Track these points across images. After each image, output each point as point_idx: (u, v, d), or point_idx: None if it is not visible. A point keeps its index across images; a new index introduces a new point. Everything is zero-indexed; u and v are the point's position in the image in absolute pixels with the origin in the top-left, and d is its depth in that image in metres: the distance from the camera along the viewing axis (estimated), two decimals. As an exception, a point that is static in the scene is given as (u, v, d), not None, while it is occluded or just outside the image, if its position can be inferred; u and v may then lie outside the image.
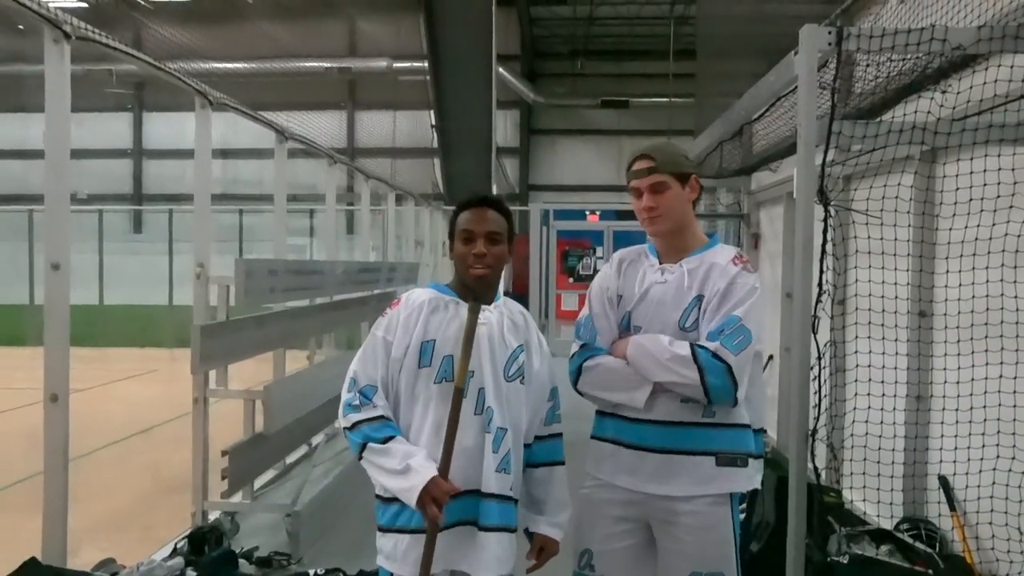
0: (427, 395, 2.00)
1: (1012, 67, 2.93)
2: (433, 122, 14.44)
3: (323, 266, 5.76)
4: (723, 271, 2.12)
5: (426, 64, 13.12)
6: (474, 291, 2.04)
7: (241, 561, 3.75)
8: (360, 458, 1.99)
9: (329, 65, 18.16)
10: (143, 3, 14.94)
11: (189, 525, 4.03)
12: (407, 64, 17.16)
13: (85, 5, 14.62)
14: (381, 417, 1.98)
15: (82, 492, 4.07)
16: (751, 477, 2.14)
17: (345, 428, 2.02)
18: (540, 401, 2.15)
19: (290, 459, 5.47)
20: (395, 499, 1.98)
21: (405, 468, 1.91)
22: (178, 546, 3.73)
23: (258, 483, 4.91)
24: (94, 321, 13.71)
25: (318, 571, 3.68)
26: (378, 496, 2.06)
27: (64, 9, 2.99)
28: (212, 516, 4.19)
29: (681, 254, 2.19)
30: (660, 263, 2.21)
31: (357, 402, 2.00)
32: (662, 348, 2.06)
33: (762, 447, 2.23)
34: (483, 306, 2.05)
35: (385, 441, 1.95)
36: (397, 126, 17.50)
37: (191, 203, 4.22)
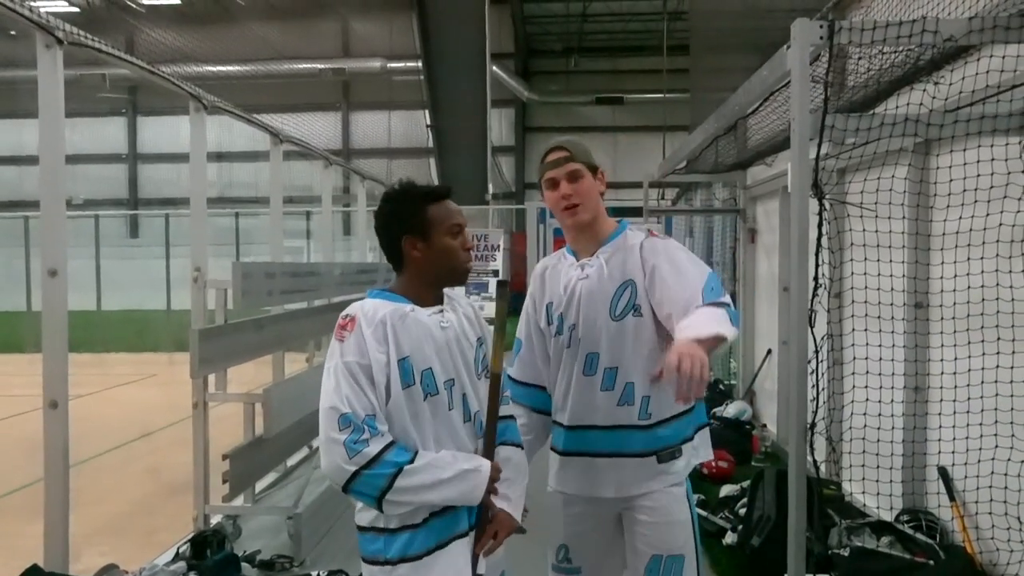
0: (415, 413, 1.87)
1: (1003, 57, 2.93)
2: (428, 122, 14.44)
3: (320, 268, 5.76)
4: (643, 250, 2.16)
5: (420, 64, 13.11)
6: (444, 287, 1.99)
7: (244, 564, 3.76)
8: (385, 492, 1.77)
9: (323, 66, 18.17)
10: (135, 7, 14.91)
11: (191, 529, 4.04)
12: (401, 64, 17.17)
13: (77, 10, 14.60)
14: (395, 442, 1.82)
15: (83, 498, 4.08)
16: (697, 451, 2.26)
17: (358, 470, 1.76)
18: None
19: (291, 461, 5.47)
20: (405, 527, 1.85)
21: (463, 472, 1.84)
22: (180, 550, 3.73)
23: (259, 486, 4.91)
24: (92, 326, 13.72)
25: (320, 573, 3.69)
26: (377, 528, 1.88)
27: (56, 14, 2.99)
28: (214, 520, 4.20)
29: (596, 246, 2.24)
30: (578, 260, 2.26)
31: (366, 435, 1.77)
32: (716, 317, 1.92)
33: (703, 415, 2.32)
34: (437, 308, 1.96)
35: (414, 459, 1.81)
36: (392, 126, 17.50)
37: (187, 207, 4.22)
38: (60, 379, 2.96)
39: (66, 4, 14.78)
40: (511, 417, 2.16)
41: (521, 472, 2.07)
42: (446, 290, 2.03)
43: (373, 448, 1.77)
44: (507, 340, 2.06)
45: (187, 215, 4.21)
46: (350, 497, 1.85)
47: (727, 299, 2.06)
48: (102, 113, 18.41)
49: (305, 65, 17.99)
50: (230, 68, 16.48)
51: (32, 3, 2.83)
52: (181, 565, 3.50)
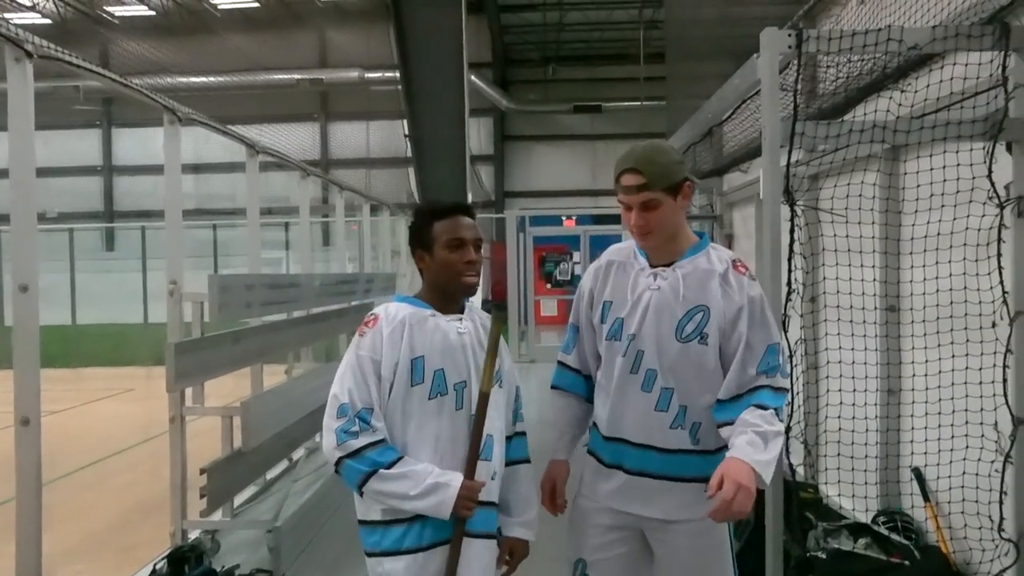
0: (421, 412, 1.95)
1: (966, 65, 3.00)
2: (406, 131, 14.43)
3: (299, 279, 5.73)
4: (728, 283, 2.05)
5: (398, 74, 13.12)
6: (456, 298, 2.06)
7: (222, 579, 3.71)
8: (362, 485, 1.90)
9: (300, 77, 18.12)
10: (109, 19, 14.79)
11: (168, 545, 3.99)
12: (379, 74, 17.17)
13: (49, 22, 14.46)
14: (383, 441, 1.92)
15: (58, 515, 4.03)
16: None
17: (343, 456, 1.89)
18: (509, 401, 2.16)
19: (271, 475, 5.43)
20: (396, 520, 1.94)
21: (432, 486, 1.89)
22: (157, 567, 3.69)
23: (238, 500, 4.87)
24: (67, 341, 13.53)
25: (300, 586, 3.66)
26: (370, 521, 1.98)
27: (27, 27, 2.96)
28: (192, 535, 4.15)
29: (672, 256, 2.10)
30: (651, 266, 2.12)
31: (356, 428, 1.89)
32: (770, 430, 1.93)
33: None
34: (457, 315, 2.05)
35: (392, 464, 1.89)
36: (371, 136, 17.48)
37: (164, 219, 4.19)
38: (32, 395, 2.92)
39: (39, 16, 14.64)
40: (523, 434, 2.20)
41: (534, 492, 2.15)
42: (467, 303, 2.12)
43: (359, 441, 1.89)
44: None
45: (164, 227, 4.18)
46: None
47: (779, 382, 2.02)
48: (76, 125, 18.23)
49: (282, 76, 17.93)
50: (206, 79, 16.40)
51: (4, 15, 2.81)
52: (158, 582, 3.46)
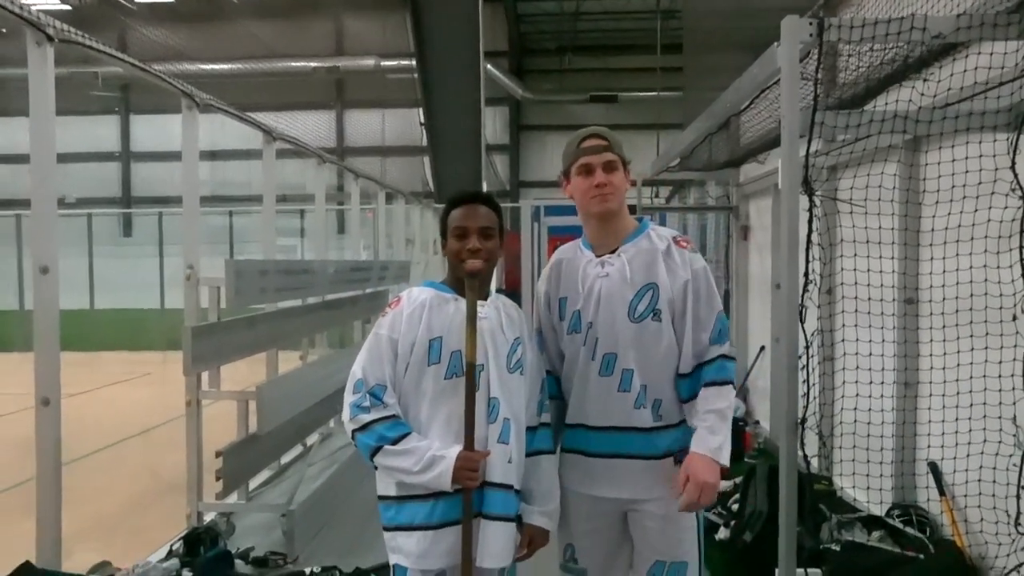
0: (436, 390, 2.03)
1: (991, 54, 2.95)
2: (422, 120, 14.42)
3: (314, 265, 5.75)
4: (672, 259, 2.17)
5: (414, 62, 13.10)
6: (469, 285, 2.10)
7: (237, 561, 3.76)
8: (371, 457, 1.99)
9: (316, 64, 18.11)
10: (127, 4, 14.85)
11: (184, 527, 4.03)
12: (395, 62, 17.13)
13: (68, 7, 14.53)
14: (393, 416, 2.00)
15: (76, 496, 4.06)
16: None
17: (354, 430, 2.00)
18: (533, 392, 2.19)
19: (285, 459, 5.47)
20: (410, 497, 2.01)
21: (431, 459, 1.95)
22: (173, 548, 3.73)
23: (253, 483, 4.91)
24: (85, 325, 13.66)
25: (314, 569, 3.70)
26: (386, 497, 2.06)
27: (46, 11, 2.98)
28: (207, 517, 4.20)
29: (616, 242, 2.22)
30: (596, 255, 2.23)
31: (367, 403, 1.99)
32: (724, 407, 2.13)
33: None
34: (480, 301, 2.10)
35: (398, 440, 1.97)
36: (386, 125, 17.48)
37: (180, 205, 4.21)
38: (52, 376, 2.96)
39: (58, 2, 14.73)
40: (547, 424, 2.24)
41: (555, 483, 2.20)
42: (493, 289, 2.21)
43: (369, 416, 1.98)
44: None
45: (180, 214, 4.21)
46: None
47: (728, 349, 2.17)
48: (94, 112, 18.32)
49: (298, 63, 17.93)
50: (223, 66, 16.44)
51: (23, 0, 2.83)
52: (174, 562, 3.50)
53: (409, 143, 16.81)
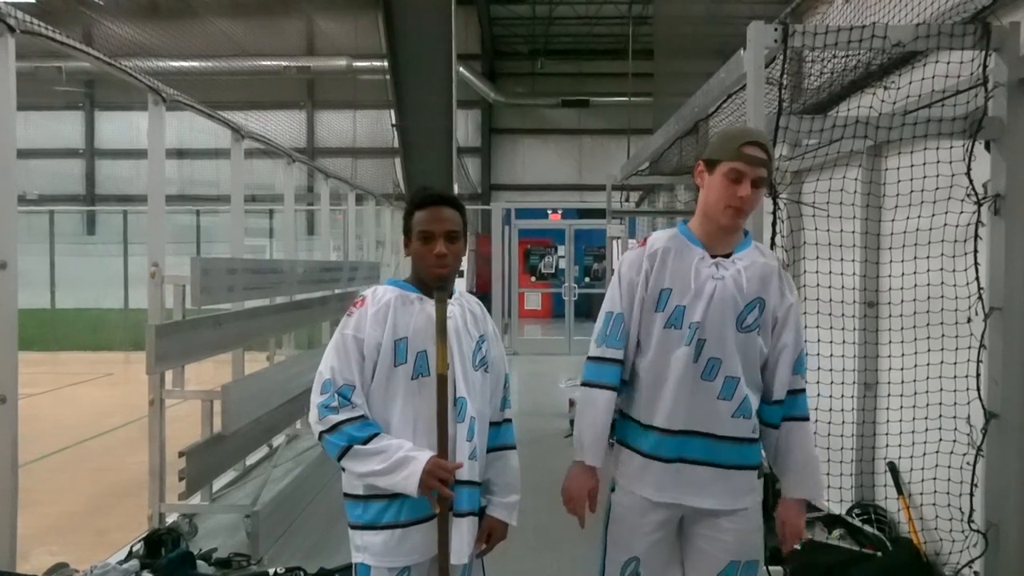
0: (404, 391, 2.00)
1: (948, 64, 3.04)
2: (393, 121, 14.36)
3: (283, 265, 5.71)
4: (783, 281, 2.13)
5: (386, 63, 13.05)
6: (439, 297, 2.08)
7: (200, 562, 3.70)
8: (340, 458, 1.96)
9: (287, 64, 17.95)
10: (94, -1, 14.59)
11: (145, 528, 3.97)
12: (367, 63, 17.05)
13: (32, 0, 14.24)
14: (362, 416, 1.97)
15: (33, 497, 3.99)
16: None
17: (323, 431, 1.96)
18: (497, 389, 2.20)
19: (250, 460, 5.41)
20: (377, 496, 1.99)
21: (402, 459, 1.93)
22: (134, 549, 3.67)
23: (217, 484, 4.86)
24: (45, 324, 13.38)
25: (278, 570, 3.66)
26: (353, 495, 2.04)
27: (8, 2, 2.92)
28: (170, 519, 4.13)
29: (729, 247, 2.13)
30: (710, 255, 2.12)
31: (335, 403, 1.96)
32: (812, 445, 2.16)
33: None
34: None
35: (368, 440, 1.94)
36: (357, 125, 17.38)
37: (147, 203, 4.15)
38: (8, 373, 2.89)
39: (21, -5, 14.41)
40: (509, 421, 2.23)
41: (517, 478, 2.18)
42: (458, 288, 2.18)
43: (338, 416, 1.95)
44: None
45: (146, 211, 4.14)
46: None
47: (804, 384, 2.17)
48: (58, 107, 17.97)
49: (269, 62, 17.77)
50: (192, 64, 16.21)
51: (-17, -11, 2.77)
52: (134, 563, 3.44)
53: (380, 144, 16.73)
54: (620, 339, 2.14)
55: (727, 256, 2.11)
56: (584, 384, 2.18)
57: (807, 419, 2.15)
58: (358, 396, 1.98)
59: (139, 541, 3.72)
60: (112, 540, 4.10)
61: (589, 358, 2.18)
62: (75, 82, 16.68)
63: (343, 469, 2.01)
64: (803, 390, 2.15)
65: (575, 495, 2.16)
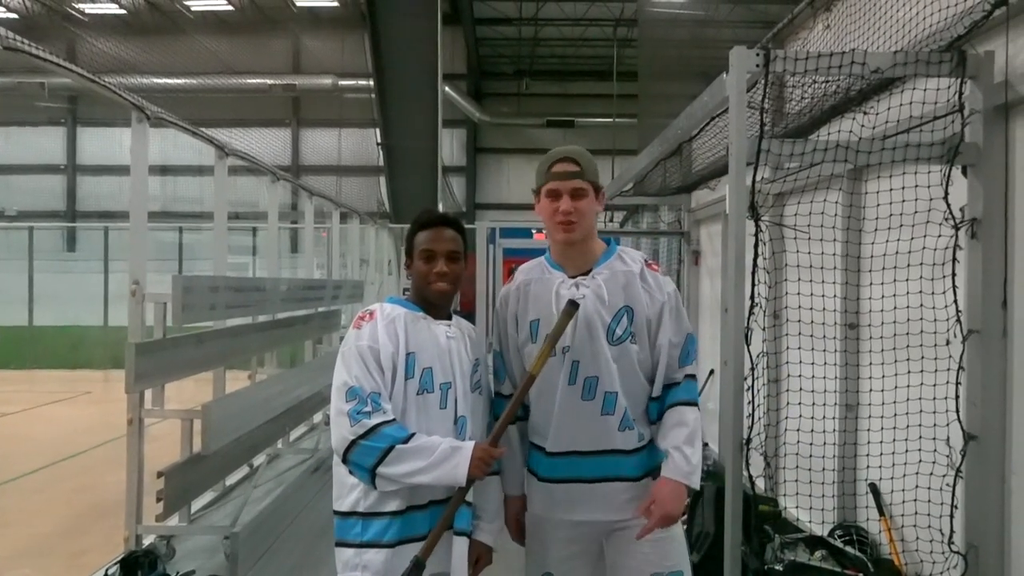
0: (412, 406, 2.03)
1: (925, 90, 3.10)
2: (379, 140, 14.40)
3: (266, 283, 5.67)
4: (647, 282, 2.17)
5: (372, 82, 13.11)
6: (436, 305, 2.14)
7: (177, 585, 3.64)
8: (378, 464, 1.91)
9: (273, 82, 17.98)
10: (77, 15, 14.56)
11: (122, 550, 3.90)
12: (352, 82, 17.12)
13: (15, 16, 14.18)
14: (395, 420, 1.97)
15: (7, 518, 3.91)
16: None
17: (357, 438, 1.92)
18: (486, 411, 2.24)
19: (230, 480, 5.34)
20: (379, 513, 1.98)
21: (447, 451, 1.94)
22: (109, 572, 3.61)
23: (196, 505, 4.78)
24: (23, 342, 13.19)
25: (257, 593, 3.60)
26: (352, 513, 2.01)
27: (-9, 19, 2.91)
28: (147, 540, 4.07)
29: (587, 263, 2.19)
30: (568, 276, 2.18)
31: (368, 408, 1.94)
32: (696, 428, 2.13)
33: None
34: (446, 322, 2.14)
35: (408, 439, 1.94)
36: (342, 144, 17.41)
37: (128, 220, 4.12)
38: (-15, 392, 2.85)
39: (3, 10, 14.36)
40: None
41: (501, 503, 2.23)
42: (455, 313, 2.22)
43: (373, 420, 1.94)
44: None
45: (127, 228, 4.11)
46: (349, 470, 1.97)
47: (694, 369, 2.19)
48: (40, 123, 17.85)
49: (255, 80, 17.79)
50: (177, 81, 16.20)
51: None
52: (110, 587, 3.38)
53: (365, 163, 16.76)
54: (502, 375, 2.26)
55: (587, 273, 2.17)
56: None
57: (688, 403, 2.15)
58: (386, 402, 1.99)
59: (115, 564, 3.66)
60: (87, 563, 4.03)
61: (494, 394, 2.28)
62: (58, 98, 16.61)
63: (372, 480, 1.94)
64: (689, 376, 2.17)
65: (506, 523, 2.26)
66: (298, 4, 17.69)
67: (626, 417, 2.12)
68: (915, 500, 3.22)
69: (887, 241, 3.34)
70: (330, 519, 2.08)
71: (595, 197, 2.18)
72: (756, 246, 3.10)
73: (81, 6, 15.92)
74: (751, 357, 3.03)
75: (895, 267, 3.36)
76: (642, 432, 2.16)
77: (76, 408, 9.83)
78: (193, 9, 17.27)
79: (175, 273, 4.04)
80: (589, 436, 2.12)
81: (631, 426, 2.13)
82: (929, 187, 3.07)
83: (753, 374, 3.13)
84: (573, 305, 2.07)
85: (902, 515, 3.33)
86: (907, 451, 3.29)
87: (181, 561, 4.08)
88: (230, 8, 17.62)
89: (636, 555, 2.14)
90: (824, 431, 3.68)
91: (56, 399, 10.27)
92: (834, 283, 3.76)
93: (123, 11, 16.60)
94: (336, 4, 17.58)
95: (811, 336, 3.68)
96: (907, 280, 3.30)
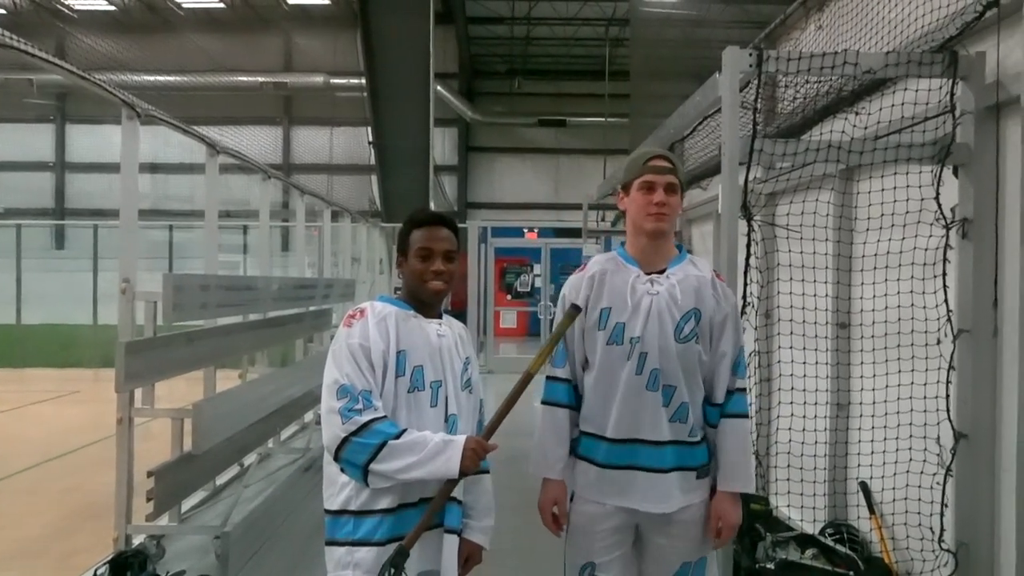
0: (402, 403, 2.03)
1: (917, 91, 3.11)
2: (371, 139, 14.36)
3: (257, 282, 5.64)
4: (716, 291, 2.26)
5: (363, 81, 13.06)
6: (429, 304, 2.14)
7: (167, 585, 3.62)
8: (371, 461, 1.91)
9: (264, 80, 17.90)
10: (67, 11, 14.47)
11: (111, 551, 3.87)
12: (344, 80, 17.06)
13: (3, 11, 14.08)
14: (386, 417, 1.97)
15: (-4, 519, 3.87)
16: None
17: (349, 435, 1.92)
18: (476, 410, 2.24)
19: (221, 480, 5.31)
20: (370, 511, 1.98)
21: (440, 444, 1.94)
22: (98, 573, 3.58)
23: (186, 505, 4.75)
24: (11, 340, 13.11)
25: (248, 593, 3.59)
26: (343, 511, 2.01)
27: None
28: (136, 540, 4.04)
29: (662, 263, 2.27)
30: (644, 272, 2.26)
31: (360, 405, 1.94)
32: (746, 440, 2.27)
33: None
34: (437, 321, 2.14)
35: (400, 435, 1.94)
36: (334, 142, 17.36)
37: (118, 218, 4.08)
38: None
39: (-8, 6, 14.25)
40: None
41: (492, 501, 2.23)
42: (445, 312, 2.23)
43: (365, 416, 1.93)
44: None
45: (117, 226, 4.08)
46: (341, 467, 1.97)
47: (744, 383, 2.28)
48: (28, 120, 17.73)
49: (246, 78, 17.71)
50: (167, 78, 16.11)
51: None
52: (99, 587, 3.36)
53: (357, 161, 16.71)
54: (561, 359, 2.31)
55: (661, 272, 2.25)
56: (541, 403, 2.34)
57: (743, 416, 2.26)
58: (377, 400, 1.98)
59: (104, 564, 3.63)
60: (76, 563, 4.00)
61: (546, 378, 2.33)
62: (47, 95, 16.49)
63: (364, 477, 1.93)
64: (742, 390, 2.27)
65: (542, 507, 2.31)
66: (290, 2, 17.63)
67: (680, 410, 2.20)
68: (905, 498, 3.24)
69: (878, 241, 3.36)
70: (321, 519, 2.07)
71: (681, 196, 2.29)
72: (748, 245, 3.11)
73: (70, 2, 15.82)
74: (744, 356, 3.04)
75: (886, 267, 3.37)
76: (696, 428, 2.24)
77: (65, 407, 9.76)
78: (184, 6, 17.19)
79: (165, 271, 4.01)
80: (650, 425, 2.19)
81: (683, 419, 2.20)
82: (920, 187, 3.08)
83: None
84: (575, 308, 2.18)
85: (892, 513, 3.35)
86: (898, 450, 3.31)
87: (171, 561, 4.05)
88: (221, 5, 17.55)
89: (673, 546, 2.25)
90: (815, 430, 3.69)
91: (45, 398, 10.19)
92: (826, 283, 3.77)
93: (113, 7, 16.50)
94: (328, 2, 17.52)
95: (803, 335, 3.69)
96: (898, 280, 3.32)
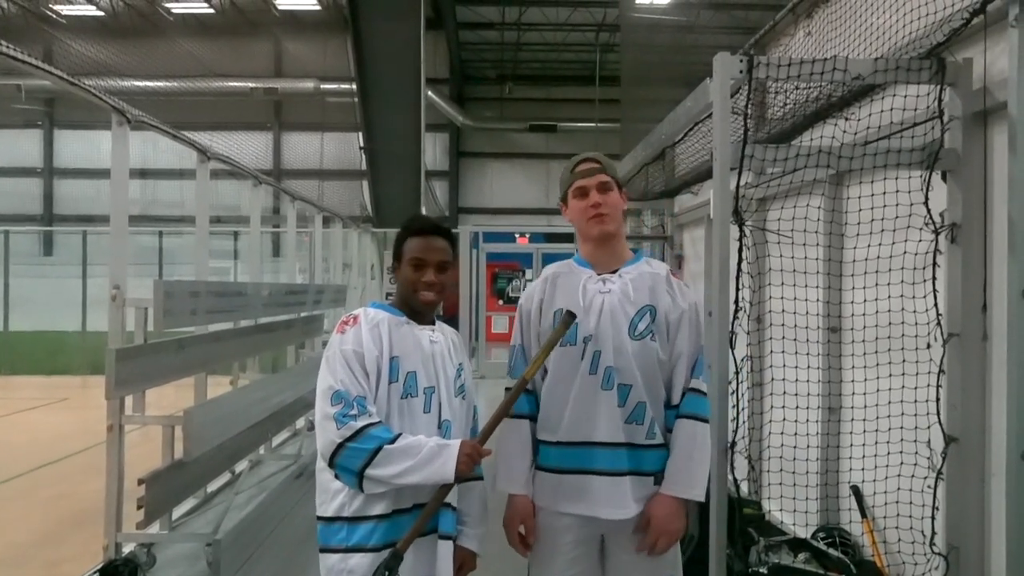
0: (395, 410, 2.02)
1: (906, 97, 3.13)
2: (361, 144, 14.34)
3: (247, 288, 5.63)
4: (672, 288, 2.22)
5: (354, 86, 13.06)
6: (421, 313, 2.15)
7: (157, 594, 3.59)
8: (366, 467, 1.90)
9: (254, 85, 17.85)
10: (55, 17, 14.39)
11: (101, 559, 3.84)
12: (335, 86, 17.04)
13: (-9, 17, 13.98)
14: (381, 422, 1.97)
15: (-19, 528, 3.83)
16: None
17: (344, 440, 1.91)
18: (469, 417, 2.24)
19: (212, 487, 5.29)
20: (364, 517, 1.98)
21: (434, 449, 1.93)
22: (89, 581, 3.55)
23: (177, 512, 4.73)
24: (-1, 348, 13.00)
25: (240, 601, 3.57)
26: (336, 518, 2.00)
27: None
28: (127, 548, 4.01)
29: (616, 263, 2.25)
30: (597, 274, 2.24)
31: (354, 411, 1.93)
32: (697, 442, 2.14)
33: None
34: (430, 327, 2.15)
35: (395, 440, 1.93)
36: (325, 148, 17.33)
37: (107, 224, 4.06)
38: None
39: (-21, 11, 14.16)
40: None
41: (485, 508, 2.21)
42: (438, 318, 2.23)
43: (360, 422, 1.93)
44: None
45: (107, 232, 4.06)
46: (336, 474, 1.95)
47: (705, 386, 2.20)
48: (16, 125, 17.62)
49: (236, 83, 17.66)
50: (157, 84, 16.04)
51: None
52: (89, 597, 3.33)
53: (348, 167, 16.69)
54: (521, 368, 2.26)
55: (614, 272, 2.24)
56: None
57: (698, 418, 2.17)
58: (372, 405, 1.98)
59: (94, 573, 3.60)
60: (65, 572, 3.97)
61: (505, 389, 2.24)
62: (34, 100, 16.40)
63: (360, 482, 1.92)
64: (698, 391, 2.19)
65: (507, 525, 2.23)
66: (280, 7, 17.60)
67: (637, 411, 2.14)
68: (897, 502, 3.25)
69: (868, 246, 3.38)
70: (313, 526, 2.07)
71: (619, 192, 2.27)
72: (740, 250, 3.12)
73: (58, 7, 15.74)
74: (735, 361, 3.05)
75: (876, 271, 3.39)
76: (655, 431, 2.16)
77: (54, 415, 9.68)
78: (173, 11, 17.14)
79: (156, 277, 3.99)
80: (605, 426, 2.13)
81: (640, 421, 2.14)
82: (910, 192, 3.10)
83: (737, 378, 3.15)
84: (571, 316, 2.12)
85: (884, 517, 3.36)
86: (889, 453, 3.32)
87: (162, 569, 4.03)
88: (210, 11, 17.50)
89: (635, 560, 2.15)
90: (807, 434, 3.70)
91: (33, 405, 10.11)
92: (816, 287, 3.79)
93: (101, 12, 16.43)
94: (318, 7, 17.51)
95: (794, 340, 3.70)
96: (888, 284, 3.34)
